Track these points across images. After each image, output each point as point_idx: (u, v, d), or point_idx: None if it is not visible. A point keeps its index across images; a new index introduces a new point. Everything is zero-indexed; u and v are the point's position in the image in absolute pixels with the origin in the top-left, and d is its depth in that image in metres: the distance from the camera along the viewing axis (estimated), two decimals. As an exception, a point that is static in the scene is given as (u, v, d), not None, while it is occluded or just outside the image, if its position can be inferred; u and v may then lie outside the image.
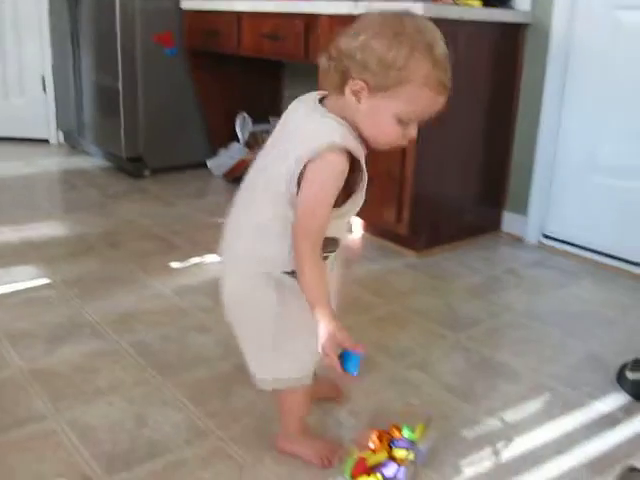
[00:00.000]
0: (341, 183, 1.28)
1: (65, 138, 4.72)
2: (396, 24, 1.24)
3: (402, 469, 1.35)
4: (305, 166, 1.26)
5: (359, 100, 1.26)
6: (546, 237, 3.03)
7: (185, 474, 1.48)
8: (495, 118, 2.94)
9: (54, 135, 4.78)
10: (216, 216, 3.23)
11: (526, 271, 2.74)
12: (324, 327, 1.27)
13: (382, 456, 1.40)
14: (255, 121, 3.91)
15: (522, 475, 1.52)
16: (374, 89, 1.25)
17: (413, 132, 1.33)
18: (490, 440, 1.64)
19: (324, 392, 1.71)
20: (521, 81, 2.96)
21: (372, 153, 2.68)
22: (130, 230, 3.01)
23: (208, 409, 1.71)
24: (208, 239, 2.92)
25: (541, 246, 3.02)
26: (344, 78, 1.26)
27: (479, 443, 1.63)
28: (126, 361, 1.92)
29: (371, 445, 1.44)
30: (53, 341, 2.01)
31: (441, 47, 1.25)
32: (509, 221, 3.13)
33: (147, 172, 3.91)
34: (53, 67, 4.57)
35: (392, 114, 1.27)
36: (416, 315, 2.28)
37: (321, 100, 1.35)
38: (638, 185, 2.69)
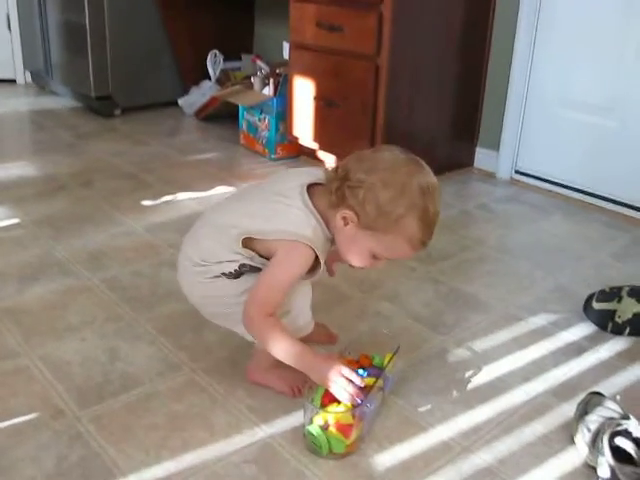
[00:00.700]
0: (304, 271, 1.40)
1: (33, 78, 4.61)
2: (406, 177, 1.33)
3: (370, 395, 1.37)
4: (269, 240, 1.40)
5: (346, 225, 1.37)
6: (518, 173, 3.04)
7: (158, 406, 1.49)
8: (468, 53, 2.91)
9: (21, 75, 4.67)
10: (188, 154, 3.21)
11: (498, 206, 2.76)
12: (313, 365, 1.37)
13: (352, 384, 1.42)
14: (226, 58, 3.84)
15: (490, 402, 1.56)
16: (362, 225, 1.36)
17: (380, 265, 1.45)
18: (459, 369, 1.68)
19: (318, 338, 1.71)
20: (494, 16, 2.93)
21: (345, 82, 2.67)
22: (101, 169, 2.98)
23: (181, 342, 1.72)
24: (180, 177, 2.91)
25: (513, 181, 3.03)
26: (341, 202, 1.36)
27: (448, 372, 1.66)
28: (98, 297, 1.92)
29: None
30: (24, 280, 2.01)
31: (435, 210, 1.38)
32: (481, 157, 3.14)
33: (117, 111, 3.85)
34: (18, 5, 4.44)
35: (369, 249, 1.39)
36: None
37: (314, 185, 1.44)
38: (608, 121, 2.69)
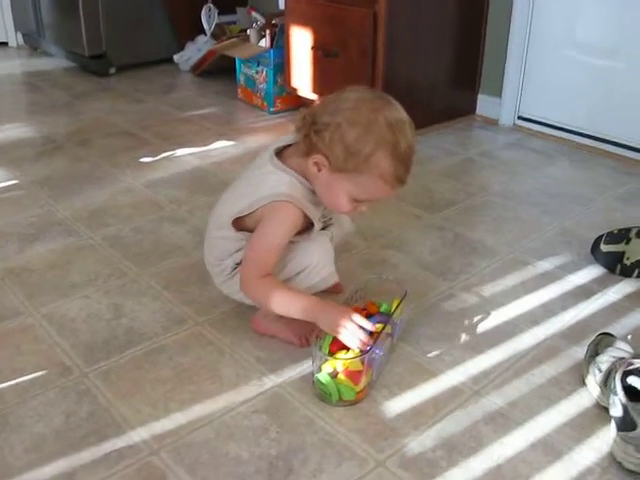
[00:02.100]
0: (292, 228, 1.40)
1: (25, 40, 4.53)
2: (371, 113, 1.31)
3: (379, 341, 1.36)
4: (254, 212, 1.41)
5: (319, 170, 1.36)
6: (521, 119, 2.99)
7: (165, 360, 1.48)
8: (467, -4, 2.85)
9: (13, 37, 4.59)
10: (185, 110, 3.17)
11: (501, 153, 2.72)
12: (319, 313, 1.35)
13: (359, 330, 1.41)
14: (221, 12, 3.76)
15: (498, 346, 1.55)
16: (334, 168, 1.34)
17: (364, 207, 1.44)
18: (467, 314, 1.66)
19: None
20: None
21: (342, 31, 2.61)
22: (98, 128, 2.94)
23: (185, 297, 1.71)
24: (178, 133, 2.87)
25: (516, 128, 2.99)
26: (310, 148, 1.35)
27: (456, 317, 1.65)
28: (100, 255, 1.90)
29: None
30: (25, 240, 1.99)
31: (408, 144, 1.34)
32: (483, 104, 3.08)
33: (112, 70, 3.79)
34: (6, -35, 4.35)
35: (346, 192, 1.37)
36: (391, 198, 2.26)
37: (285, 148, 1.46)
38: (614, 63, 2.64)
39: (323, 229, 1.54)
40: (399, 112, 1.36)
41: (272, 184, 1.40)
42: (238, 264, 1.50)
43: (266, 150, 1.50)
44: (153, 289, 1.74)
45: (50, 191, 2.30)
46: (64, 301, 1.69)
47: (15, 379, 1.43)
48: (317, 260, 1.46)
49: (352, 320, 1.32)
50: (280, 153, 1.46)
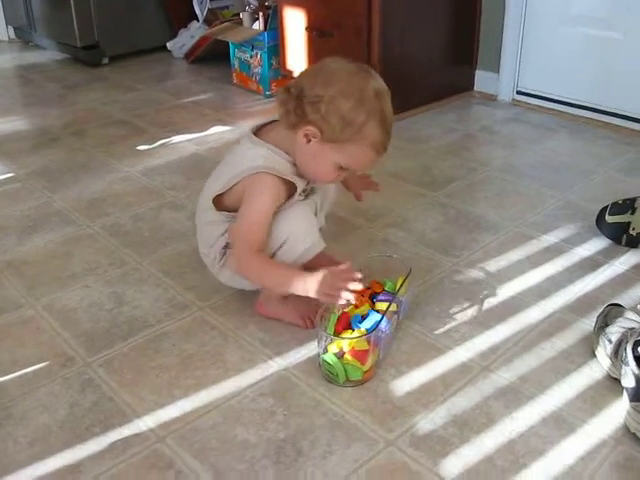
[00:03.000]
0: (274, 199, 1.41)
1: (16, 34, 4.49)
2: (361, 85, 1.34)
3: (384, 319, 1.34)
4: (233, 188, 1.43)
5: (309, 142, 1.37)
6: (520, 93, 2.96)
7: (168, 347, 1.46)
8: (461, -29, 2.81)
9: (4, 31, 4.54)
10: (180, 97, 3.14)
11: (501, 127, 2.69)
12: (309, 282, 1.32)
13: (364, 309, 1.39)
14: (213, -3, 3.73)
15: (506, 321, 1.53)
16: (326, 139, 1.35)
17: (347, 175, 1.47)
18: (472, 290, 1.64)
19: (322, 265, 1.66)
20: None
21: (336, 10, 2.58)
22: (93, 118, 2.91)
23: (187, 283, 1.69)
24: (174, 120, 2.84)
25: (515, 103, 2.96)
26: (300, 120, 1.35)
27: (462, 293, 1.63)
28: (99, 244, 1.88)
29: (353, 301, 1.42)
30: (23, 232, 1.96)
31: (390, 112, 1.37)
32: (481, 80, 3.05)
33: (105, 60, 3.75)
34: (-6, -43, 4.31)
35: (334, 162, 1.38)
36: (391, 177, 2.24)
37: (263, 126, 1.49)
38: (611, 33, 2.60)
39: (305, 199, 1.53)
40: (381, 82, 1.39)
41: (250, 158, 1.42)
42: (225, 248, 1.50)
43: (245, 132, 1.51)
44: (154, 276, 1.72)
45: (47, 182, 2.28)
46: (65, 292, 1.67)
47: (18, 371, 1.41)
48: (298, 229, 1.44)
49: (334, 274, 1.30)
50: (258, 132, 1.48)
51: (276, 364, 1.40)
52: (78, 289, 1.68)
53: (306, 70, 1.47)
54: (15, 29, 4.45)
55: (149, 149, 2.54)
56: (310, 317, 1.48)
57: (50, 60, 3.96)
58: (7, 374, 1.40)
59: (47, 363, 1.43)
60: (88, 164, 2.42)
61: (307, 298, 1.35)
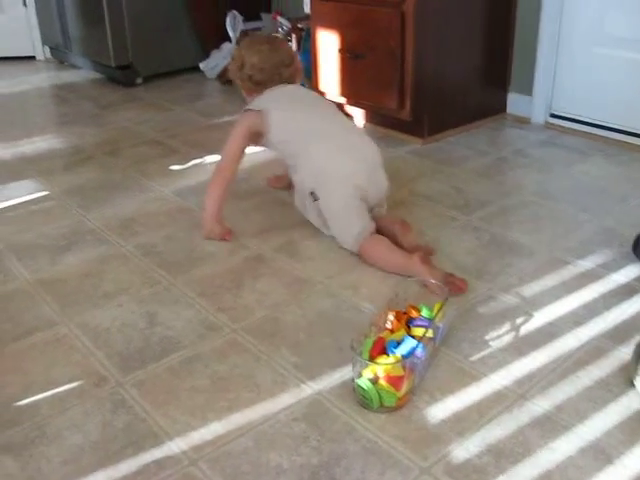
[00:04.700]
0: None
1: (52, 53, 4.57)
2: None
3: (421, 346, 1.32)
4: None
5: None
6: (553, 116, 2.94)
7: (201, 368, 1.46)
8: (496, -7, 2.81)
9: (40, 51, 4.63)
10: (212, 118, 3.16)
11: (534, 151, 2.67)
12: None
13: (400, 334, 1.38)
14: (246, 19, 3.76)
15: (542, 348, 1.50)
16: None
17: None
18: (508, 316, 1.62)
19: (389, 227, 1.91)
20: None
21: (370, 32, 2.58)
22: (127, 138, 2.94)
23: (220, 304, 1.68)
24: (206, 140, 2.86)
25: (548, 126, 2.93)
26: None
27: (497, 319, 1.61)
28: (133, 263, 1.89)
29: (389, 325, 1.41)
30: (57, 250, 1.98)
31: None
32: (514, 102, 3.03)
33: (139, 80, 3.80)
34: (32, -21, 4.39)
35: None
36: (425, 200, 2.23)
37: None
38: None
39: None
40: None
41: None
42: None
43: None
44: (187, 297, 1.72)
45: (81, 201, 2.30)
46: (98, 311, 1.68)
47: (51, 390, 1.41)
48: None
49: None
50: None
51: (309, 388, 1.39)
52: (111, 308, 1.68)
53: None
54: (51, 49, 4.53)
55: (182, 169, 2.56)
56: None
57: (85, 79, 4.02)
58: (41, 393, 1.41)
59: (80, 382, 1.43)
60: (122, 183, 2.44)
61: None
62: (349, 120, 2.08)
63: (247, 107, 2.03)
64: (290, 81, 2.11)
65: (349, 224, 1.86)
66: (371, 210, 1.93)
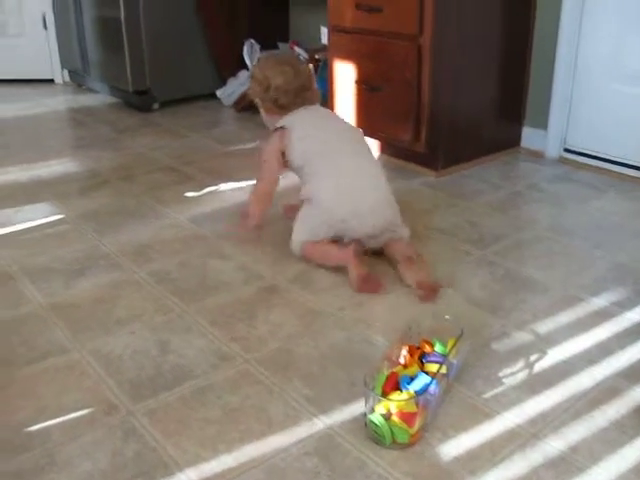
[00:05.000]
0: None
1: (70, 77, 4.62)
2: None
3: (434, 382, 1.32)
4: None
5: None
6: (567, 151, 2.94)
7: (213, 398, 1.45)
8: (512, 26, 2.82)
9: (59, 74, 4.69)
10: (228, 145, 3.17)
11: (548, 186, 2.67)
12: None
13: (414, 370, 1.37)
14: (263, 47, 3.79)
15: (556, 386, 1.49)
16: None
17: None
18: (521, 353, 1.61)
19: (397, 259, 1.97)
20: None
21: (387, 64, 2.60)
22: (143, 163, 2.96)
23: (233, 333, 1.68)
24: (221, 168, 2.87)
25: (562, 160, 2.94)
26: None
27: (510, 356, 1.60)
28: (146, 290, 1.89)
29: (402, 360, 1.41)
30: (71, 275, 1.99)
31: None
32: (529, 136, 3.04)
33: (156, 105, 3.83)
34: (53, 4, 4.44)
35: None
36: (439, 233, 2.23)
37: None
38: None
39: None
40: None
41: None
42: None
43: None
44: (200, 325, 1.72)
45: (96, 226, 2.31)
46: (110, 337, 1.68)
47: (62, 416, 1.41)
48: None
49: None
50: None
51: (321, 422, 1.38)
52: (124, 335, 1.68)
53: None
54: (70, 72, 4.58)
55: (197, 196, 2.57)
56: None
57: (102, 104, 4.06)
58: (52, 419, 1.40)
59: (91, 410, 1.43)
60: (136, 209, 2.46)
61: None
62: (364, 145, 2.11)
63: (277, 125, 2.07)
64: (311, 102, 2.14)
65: (300, 232, 2.01)
66: (374, 237, 1.98)
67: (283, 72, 2.08)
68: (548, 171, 2.83)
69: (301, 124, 2.06)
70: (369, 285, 1.86)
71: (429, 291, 1.84)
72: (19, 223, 2.35)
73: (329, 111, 2.28)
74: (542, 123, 2.97)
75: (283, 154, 2.05)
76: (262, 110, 2.18)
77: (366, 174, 2.02)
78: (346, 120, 2.22)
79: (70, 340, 1.67)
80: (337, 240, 1.98)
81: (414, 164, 2.82)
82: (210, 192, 2.60)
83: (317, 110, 2.17)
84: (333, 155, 2.01)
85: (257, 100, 2.17)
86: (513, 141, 3.05)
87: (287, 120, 2.07)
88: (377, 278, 1.89)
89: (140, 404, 1.44)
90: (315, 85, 2.19)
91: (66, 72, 4.65)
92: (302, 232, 2.01)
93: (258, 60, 2.26)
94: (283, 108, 2.10)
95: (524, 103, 3.01)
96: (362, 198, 1.95)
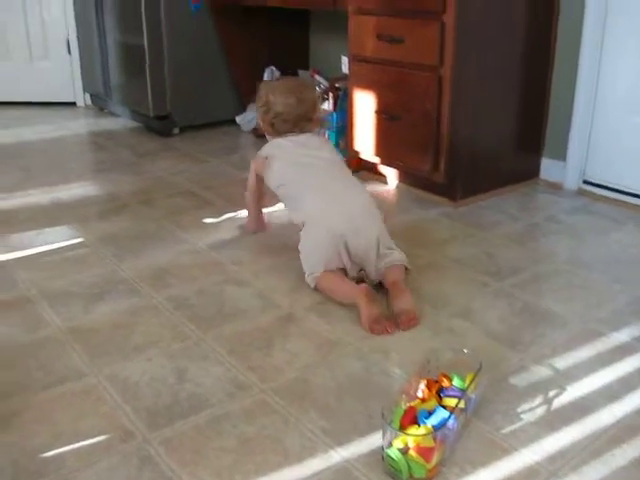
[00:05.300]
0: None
1: (92, 100, 4.68)
2: None
3: (452, 417, 1.31)
4: None
5: None
6: (586, 183, 2.93)
7: (229, 428, 1.45)
8: (532, 58, 2.83)
9: (81, 98, 4.75)
10: (247, 171, 3.18)
11: (567, 218, 2.66)
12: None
13: (432, 404, 1.36)
14: (283, 74, 3.82)
15: (575, 423, 1.47)
16: None
17: None
18: (540, 388, 1.59)
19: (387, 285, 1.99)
20: (559, 19, 2.84)
21: (407, 95, 2.61)
22: (162, 187, 2.98)
23: (249, 362, 1.68)
24: (240, 194, 2.86)
25: (581, 192, 2.93)
26: None
27: (529, 391, 1.58)
28: (164, 316, 1.90)
29: (420, 394, 1.40)
30: (90, 299, 2.00)
31: None
32: (547, 167, 3.04)
33: (176, 130, 3.87)
34: (77, 29, 4.51)
35: None
36: (456, 264, 2.23)
37: None
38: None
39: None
40: None
41: None
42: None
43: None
44: (217, 353, 1.72)
45: (115, 250, 2.32)
46: (127, 363, 1.68)
47: (78, 442, 1.41)
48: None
49: None
50: None
51: (337, 454, 1.37)
52: (141, 361, 1.69)
53: None
54: (91, 96, 4.64)
55: (215, 222, 2.59)
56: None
57: (123, 127, 4.10)
58: (68, 445, 1.40)
59: (107, 436, 1.43)
60: (156, 234, 2.47)
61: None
62: (346, 171, 2.20)
63: (259, 152, 2.28)
64: (308, 130, 2.26)
65: (307, 261, 2.05)
66: (369, 257, 2.00)
67: (286, 104, 2.21)
68: (567, 203, 2.82)
69: (282, 154, 2.19)
70: (380, 326, 1.82)
71: (407, 319, 1.85)
72: (39, 246, 2.37)
73: (319, 139, 2.32)
74: (561, 155, 2.97)
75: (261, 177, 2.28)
76: (261, 126, 2.35)
77: (347, 187, 2.11)
78: (333, 149, 2.31)
79: (87, 365, 1.67)
80: (346, 273, 2.01)
81: (432, 194, 2.82)
82: (229, 218, 2.61)
83: (307, 139, 2.23)
84: (312, 178, 2.11)
85: (259, 119, 2.33)
86: (532, 172, 3.05)
87: (270, 147, 2.25)
88: (389, 318, 1.85)
89: (156, 432, 1.44)
90: (318, 114, 2.29)
91: (88, 96, 4.71)
92: (309, 259, 2.04)
93: (267, 82, 2.42)
94: (279, 132, 2.24)
95: (543, 134, 3.01)
96: (351, 206, 2.02)
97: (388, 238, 2.06)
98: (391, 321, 1.83)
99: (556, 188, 2.98)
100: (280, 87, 2.28)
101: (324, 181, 2.09)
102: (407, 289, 1.94)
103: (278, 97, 2.21)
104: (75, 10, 4.47)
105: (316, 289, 2.01)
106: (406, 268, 2.04)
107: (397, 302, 1.90)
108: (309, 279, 2.02)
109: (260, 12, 3.76)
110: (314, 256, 2.02)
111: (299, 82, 2.40)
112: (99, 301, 1.98)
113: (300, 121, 2.22)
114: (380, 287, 2.01)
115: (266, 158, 2.23)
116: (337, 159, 2.23)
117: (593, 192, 2.90)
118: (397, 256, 2.03)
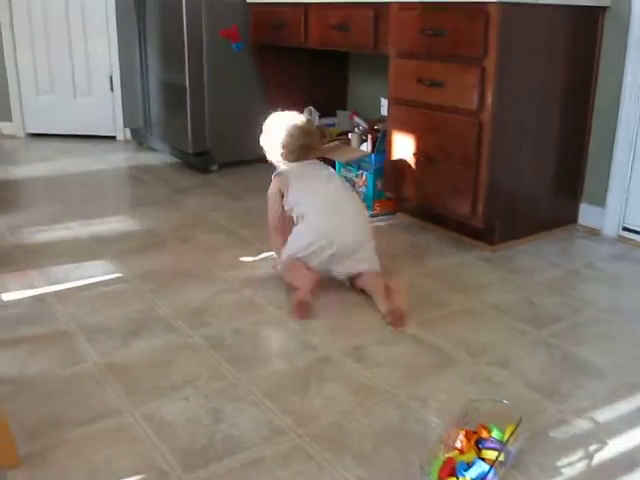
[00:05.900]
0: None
1: (132, 135, 4.76)
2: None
3: (492, 471, 1.29)
4: None
5: None
6: (626, 230, 2.90)
7: (263, 472, 1.44)
8: (572, 105, 2.83)
9: (121, 132, 4.84)
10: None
11: (606, 265, 2.63)
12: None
13: (470, 456, 1.34)
14: (322, 114, 3.86)
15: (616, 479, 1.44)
16: None
17: None
18: (580, 441, 1.56)
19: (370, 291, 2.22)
20: (600, 66, 2.85)
21: (446, 138, 2.62)
22: (200, 224, 3.01)
23: (285, 405, 1.67)
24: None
25: (620, 239, 2.90)
26: None
27: (568, 445, 1.55)
28: (200, 355, 1.90)
29: (458, 445, 1.38)
30: (127, 335, 2.01)
31: None
32: (586, 213, 3.01)
33: (214, 167, 3.91)
34: (121, 67, 4.62)
35: None
36: (494, 310, 2.21)
37: None
38: None
39: None
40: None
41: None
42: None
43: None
44: (253, 395, 1.71)
45: (152, 286, 2.34)
46: (163, 402, 1.68)
47: (114, 482, 1.41)
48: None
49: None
50: None
51: (373, 504, 1.36)
52: (178, 401, 1.69)
53: None
54: (131, 130, 4.72)
55: (252, 261, 2.60)
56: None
57: (162, 162, 4.16)
58: (103, 484, 1.40)
59: (142, 476, 1.42)
60: (193, 270, 2.49)
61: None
62: (348, 191, 2.45)
63: (276, 172, 2.49)
64: (313, 157, 2.49)
65: (287, 247, 2.34)
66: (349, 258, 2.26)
67: (291, 135, 2.44)
68: (605, 249, 2.79)
69: (296, 175, 2.40)
70: (300, 312, 2.10)
71: (397, 318, 2.07)
72: (77, 280, 2.40)
73: (324, 165, 2.52)
74: (600, 201, 2.95)
75: (282, 194, 2.42)
76: (268, 155, 2.60)
77: (349, 204, 2.35)
78: (337, 175, 2.56)
79: (124, 402, 1.68)
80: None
81: (470, 238, 2.81)
82: (265, 258, 2.62)
83: (314, 164, 2.47)
84: (320, 196, 2.34)
85: (266, 149, 2.60)
86: (570, 218, 3.02)
87: (287, 170, 2.45)
88: (310, 307, 2.13)
89: (191, 474, 1.43)
90: (323, 141, 2.57)
91: (128, 130, 4.79)
92: (289, 246, 2.32)
93: (275, 115, 2.63)
94: (287, 160, 2.47)
95: (582, 180, 3.00)
96: (344, 216, 2.29)
97: (373, 249, 2.31)
98: (311, 312, 2.12)
99: (595, 234, 2.95)
100: (287, 124, 2.49)
101: (329, 196, 2.34)
102: (397, 290, 2.20)
103: (285, 131, 2.46)
104: (119, 48, 4.57)
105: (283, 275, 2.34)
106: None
107: (388, 302, 2.12)
108: (280, 267, 2.35)
109: (300, 53, 3.81)
110: (294, 245, 2.29)
111: (301, 118, 2.57)
112: (136, 337, 2.00)
113: (308, 150, 2.46)
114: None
115: (286, 176, 2.42)
116: (344, 182, 2.50)
117: (632, 239, 2.87)
118: (376, 265, 2.29)
